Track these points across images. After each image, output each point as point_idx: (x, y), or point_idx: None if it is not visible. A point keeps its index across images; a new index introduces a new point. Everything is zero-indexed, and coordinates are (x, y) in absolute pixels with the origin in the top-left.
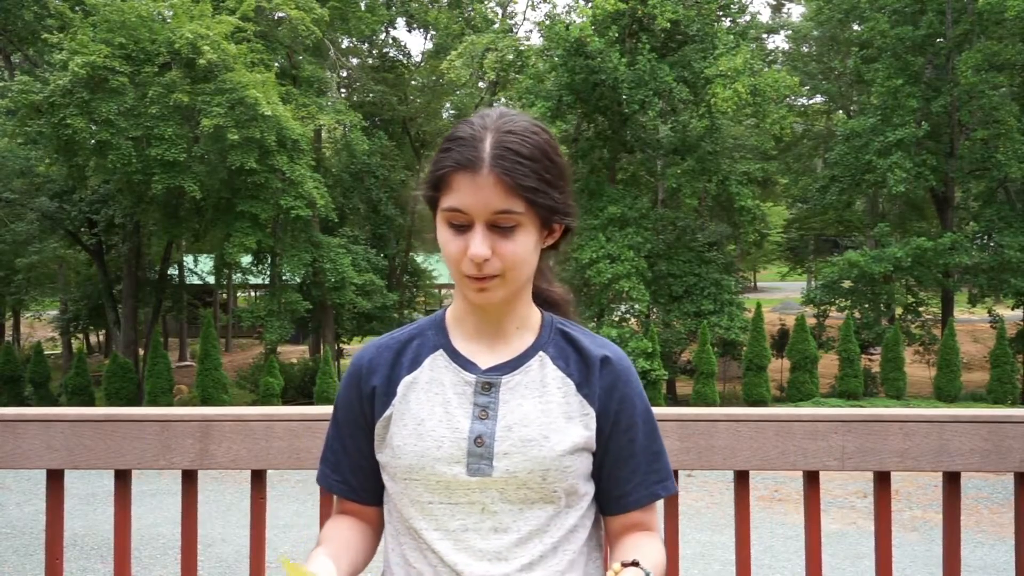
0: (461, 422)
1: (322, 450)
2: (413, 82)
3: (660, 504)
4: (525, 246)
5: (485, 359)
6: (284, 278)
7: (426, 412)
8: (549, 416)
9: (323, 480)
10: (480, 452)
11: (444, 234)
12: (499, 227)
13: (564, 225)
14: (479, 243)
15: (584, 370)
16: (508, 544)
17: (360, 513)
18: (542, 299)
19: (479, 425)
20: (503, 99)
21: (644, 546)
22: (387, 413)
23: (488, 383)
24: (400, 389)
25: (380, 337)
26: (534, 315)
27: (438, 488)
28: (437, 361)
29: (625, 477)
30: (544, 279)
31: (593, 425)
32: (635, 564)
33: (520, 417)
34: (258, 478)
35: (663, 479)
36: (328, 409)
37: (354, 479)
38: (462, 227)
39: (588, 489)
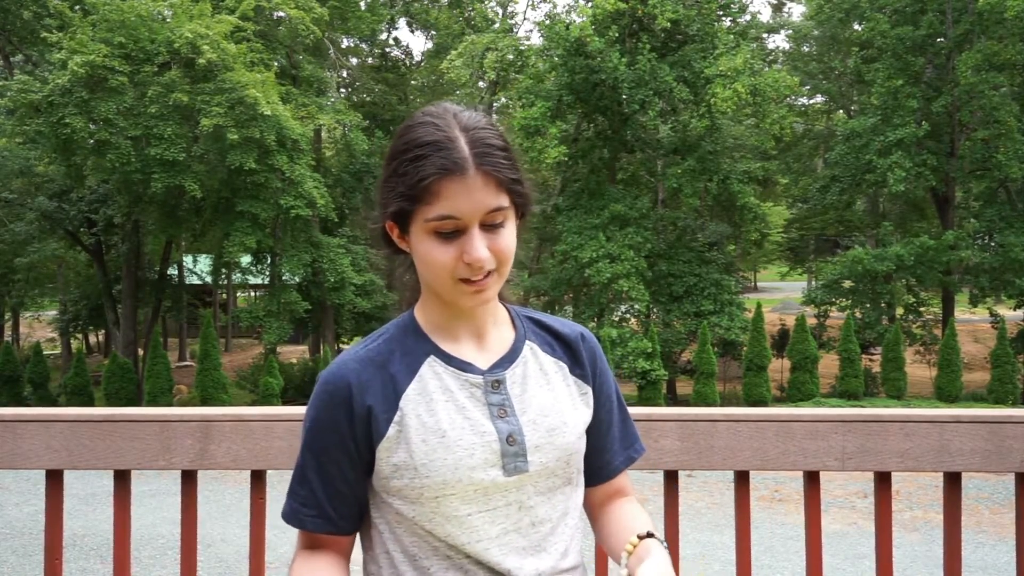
0: (484, 424)
1: (290, 484)
2: (413, 82)
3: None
4: (513, 238)
5: (479, 359)
6: (284, 278)
7: (446, 422)
8: (560, 402)
9: (292, 517)
10: (514, 450)
11: (427, 245)
12: (488, 225)
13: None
14: (479, 246)
15: (570, 352)
16: (545, 534)
17: (336, 545)
18: None
19: (503, 424)
20: (503, 99)
21: (640, 517)
22: (391, 432)
23: (497, 381)
24: (404, 404)
25: (354, 351)
26: (501, 308)
27: (475, 497)
28: (435, 368)
29: (606, 447)
30: None
31: (592, 403)
32: (650, 535)
33: (538, 408)
34: (258, 478)
35: (634, 442)
36: None
37: (332, 509)
38: (451, 234)
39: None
